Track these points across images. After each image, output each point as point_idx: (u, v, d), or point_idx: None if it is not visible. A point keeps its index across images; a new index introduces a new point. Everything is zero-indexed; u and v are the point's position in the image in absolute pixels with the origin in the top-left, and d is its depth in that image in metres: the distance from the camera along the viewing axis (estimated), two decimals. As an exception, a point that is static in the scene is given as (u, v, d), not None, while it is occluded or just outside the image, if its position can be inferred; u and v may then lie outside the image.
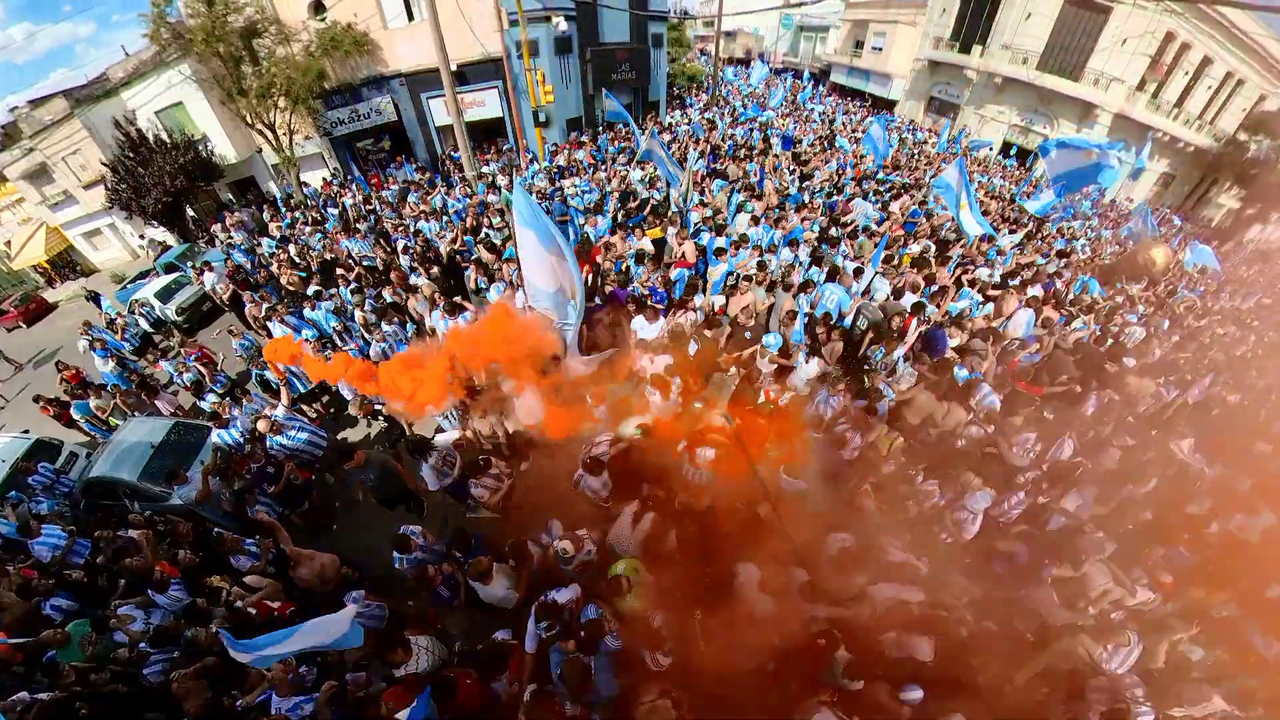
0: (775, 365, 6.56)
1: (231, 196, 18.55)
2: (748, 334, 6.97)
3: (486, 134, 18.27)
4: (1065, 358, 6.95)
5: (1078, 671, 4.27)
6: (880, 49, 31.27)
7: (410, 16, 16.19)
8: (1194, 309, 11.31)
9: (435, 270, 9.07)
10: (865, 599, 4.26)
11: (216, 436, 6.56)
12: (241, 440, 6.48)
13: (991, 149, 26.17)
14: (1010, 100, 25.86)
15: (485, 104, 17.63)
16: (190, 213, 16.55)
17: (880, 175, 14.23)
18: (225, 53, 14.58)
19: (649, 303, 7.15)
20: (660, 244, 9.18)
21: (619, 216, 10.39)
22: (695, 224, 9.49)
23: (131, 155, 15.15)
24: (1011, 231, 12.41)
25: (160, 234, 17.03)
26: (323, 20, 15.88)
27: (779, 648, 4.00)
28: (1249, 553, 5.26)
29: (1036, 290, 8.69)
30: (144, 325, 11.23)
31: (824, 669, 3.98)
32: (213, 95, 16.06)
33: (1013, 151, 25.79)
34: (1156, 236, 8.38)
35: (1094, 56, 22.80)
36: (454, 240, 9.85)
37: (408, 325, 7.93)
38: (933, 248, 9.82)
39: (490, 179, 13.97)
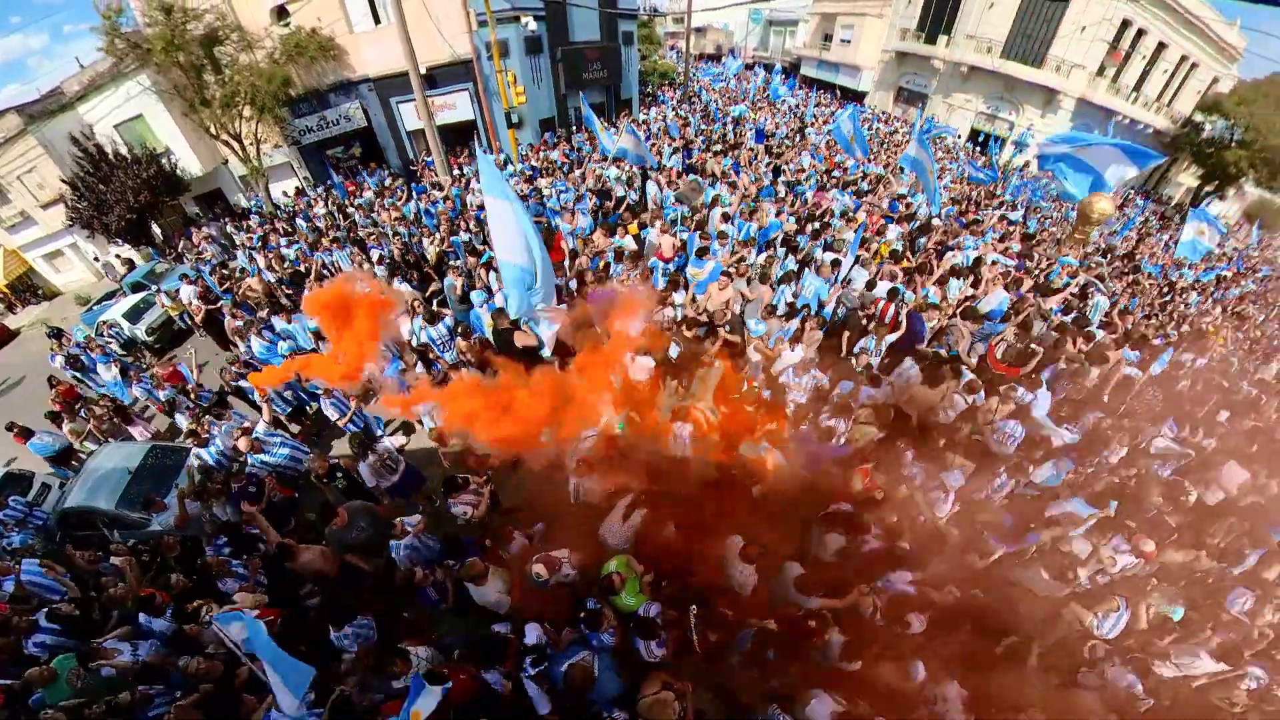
0: (760, 355, 6.63)
1: (198, 210, 18.07)
2: (726, 328, 7.02)
3: (459, 136, 18.07)
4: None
5: (1071, 639, 4.41)
6: (849, 41, 31.67)
7: (376, 20, 15.91)
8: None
9: (415, 277, 8.95)
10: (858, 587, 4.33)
11: (195, 456, 6.40)
12: (223, 459, 6.33)
13: (960, 136, 26.70)
14: (976, 88, 26.39)
15: (457, 107, 17.42)
16: (156, 229, 16.08)
17: (854, 166, 14.40)
18: (186, 62, 14.17)
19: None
20: (641, 241, 9.19)
21: (598, 215, 10.37)
22: (673, 219, 9.51)
23: (91, 171, 14.63)
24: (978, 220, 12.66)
25: (114, 256, 16.39)
26: (286, 26, 15.53)
27: (773, 631, 4.05)
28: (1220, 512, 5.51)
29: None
30: (115, 347, 10.88)
31: (818, 651, 4.05)
32: (174, 106, 15.60)
33: (980, 138, 26.32)
34: (1099, 191, 8.76)
35: (1055, 44, 23.39)
36: (441, 243, 9.74)
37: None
38: (901, 231, 9.98)
39: (465, 181, 13.83)
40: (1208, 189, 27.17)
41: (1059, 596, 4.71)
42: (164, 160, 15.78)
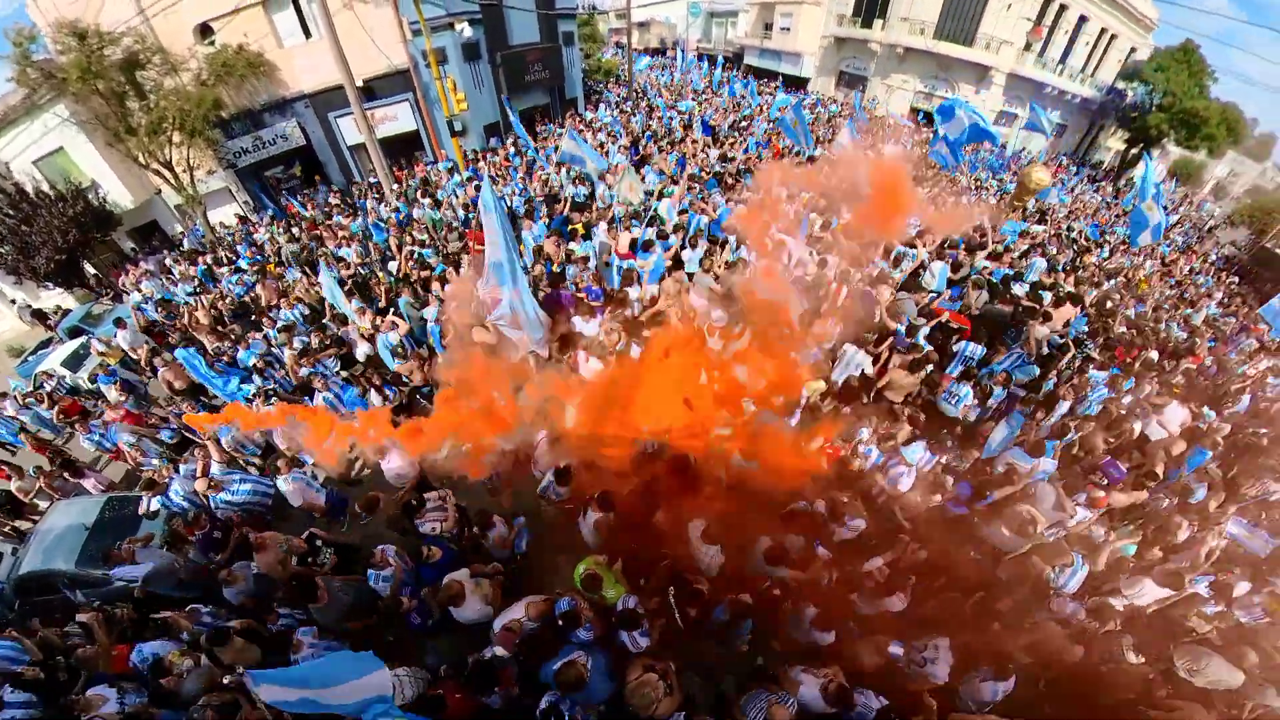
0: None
1: (134, 245, 17.22)
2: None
3: (404, 148, 17.69)
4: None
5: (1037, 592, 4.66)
6: (788, 29, 32.14)
7: (307, 33, 15.44)
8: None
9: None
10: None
11: (155, 503, 6.15)
12: (185, 505, 6.10)
13: (900, 117, 27.51)
14: (912, 69, 27.20)
15: (398, 118, 17.06)
16: (90, 268, 15.25)
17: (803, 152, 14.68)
18: (106, 89, 13.41)
19: (585, 301, 7.22)
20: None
21: (549, 220, 10.33)
22: (621, 216, 9.56)
23: (12, 213, 13.74)
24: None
25: (25, 298, 15.47)
26: (211, 44, 14.90)
27: (747, 604, 4.18)
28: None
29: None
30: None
31: (788, 623, 4.18)
32: (98, 137, 14.74)
33: (920, 116, 27.13)
34: (1034, 161, 9.34)
35: (984, 21, 24.23)
36: (406, 258, 9.58)
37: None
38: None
39: (409, 194, 13.60)
40: (1134, 152, 28.66)
41: (1021, 552, 4.96)
42: (91, 194, 14.94)
